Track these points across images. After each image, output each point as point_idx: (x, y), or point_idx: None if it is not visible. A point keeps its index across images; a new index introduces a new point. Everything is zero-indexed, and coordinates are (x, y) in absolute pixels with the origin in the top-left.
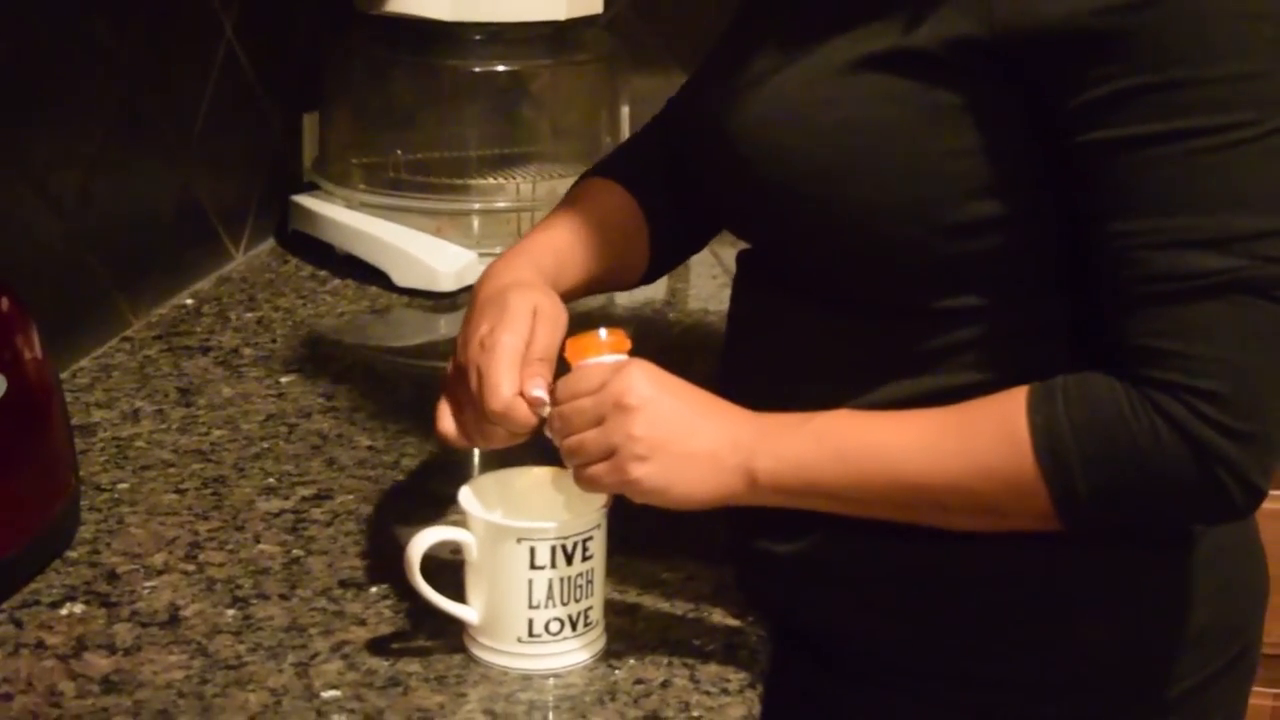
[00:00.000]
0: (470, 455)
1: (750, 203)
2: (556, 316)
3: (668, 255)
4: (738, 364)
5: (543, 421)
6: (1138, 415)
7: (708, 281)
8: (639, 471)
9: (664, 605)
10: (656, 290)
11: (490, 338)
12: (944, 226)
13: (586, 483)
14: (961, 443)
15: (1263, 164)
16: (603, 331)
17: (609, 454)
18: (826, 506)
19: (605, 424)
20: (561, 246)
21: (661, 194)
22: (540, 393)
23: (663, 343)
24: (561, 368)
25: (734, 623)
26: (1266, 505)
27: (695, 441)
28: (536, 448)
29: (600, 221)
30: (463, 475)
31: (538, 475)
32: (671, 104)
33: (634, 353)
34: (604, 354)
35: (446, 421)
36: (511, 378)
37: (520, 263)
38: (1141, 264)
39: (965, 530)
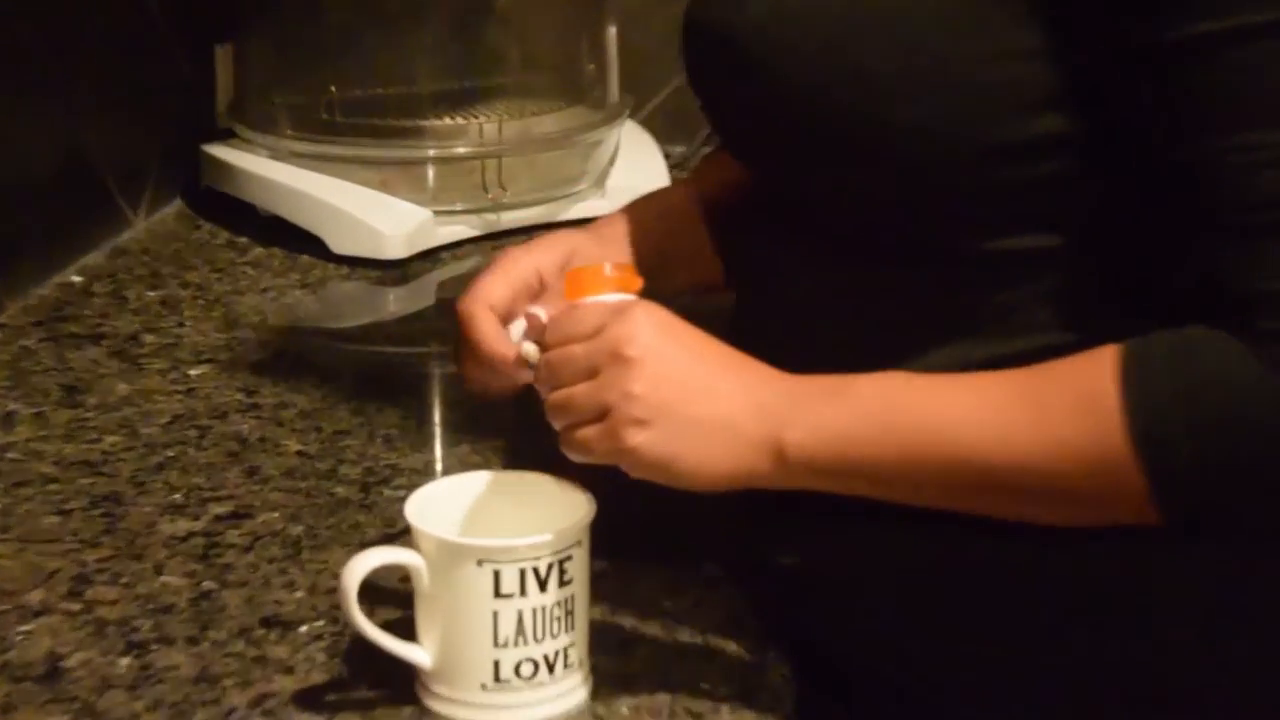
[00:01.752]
0: (430, 461)
1: (760, 122)
2: (599, 259)
3: None
4: (750, 333)
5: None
6: (1254, 378)
7: None
8: (637, 438)
9: (664, 639)
10: None
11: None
12: (999, 145)
13: (574, 447)
14: (1035, 413)
15: None
16: (608, 265)
17: (601, 414)
18: (870, 490)
19: (599, 377)
20: (658, 224)
21: None
22: (540, 310)
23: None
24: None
25: (751, 658)
26: None
27: (709, 404)
28: (521, 450)
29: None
30: (417, 484)
31: (503, 481)
32: None
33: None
34: (606, 291)
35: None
36: (487, 316)
37: (598, 228)
38: (1248, 188)
39: (1036, 522)
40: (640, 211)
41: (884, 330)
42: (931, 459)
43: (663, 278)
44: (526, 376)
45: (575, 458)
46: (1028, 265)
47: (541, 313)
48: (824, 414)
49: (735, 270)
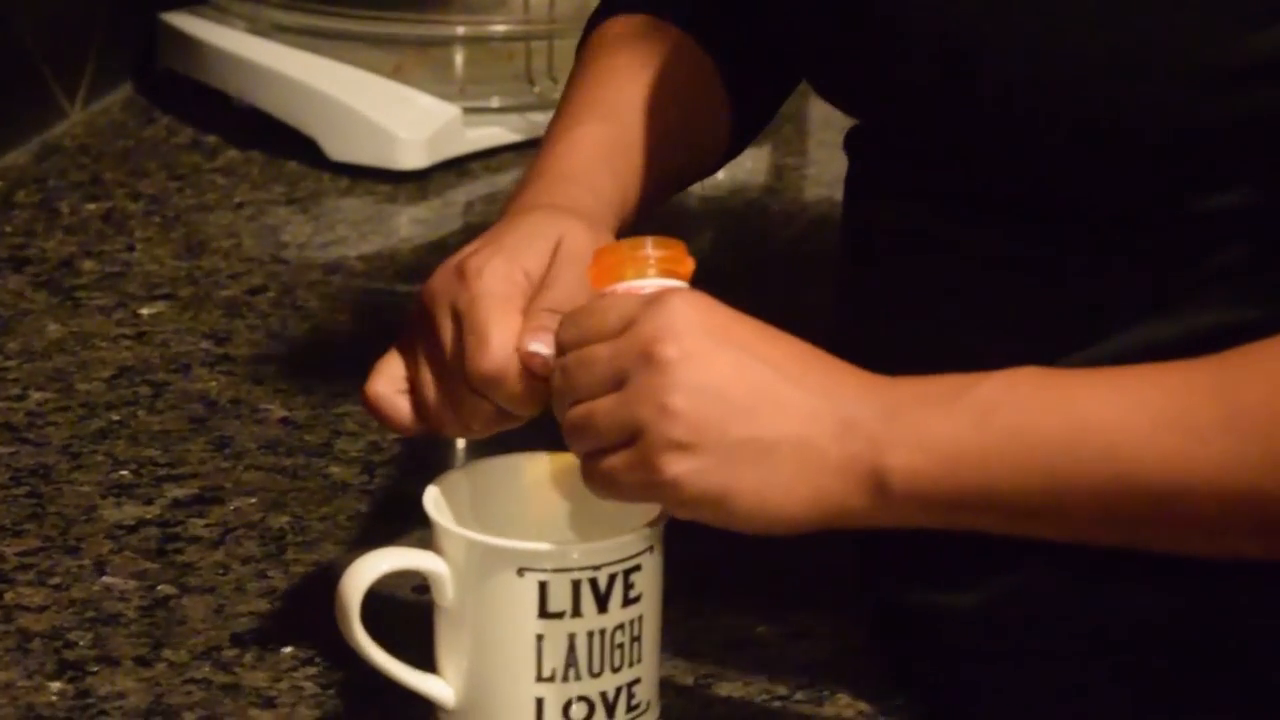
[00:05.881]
0: (451, 438)
1: (889, 45)
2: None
3: (751, 122)
4: (861, 307)
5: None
6: None
7: (835, 153)
8: (677, 467)
9: (759, 679)
10: (751, 169)
11: (474, 261)
12: (1212, 70)
13: (598, 482)
14: (1221, 415)
15: None
16: (649, 243)
17: (631, 436)
18: (1001, 525)
19: (627, 388)
20: (618, 150)
21: (731, 27)
22: (543, 348)
23: (761, 256)
24: None
25: (869, 708)
26: None
27: (775, 420)
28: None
29: (666, 96)
30: (437, 466)
31: (552, 466)
32: None
33: (704, 283)
34: (647, 276)
35: (381, 383)
36: (506, 323)
37: (566, 190)
38: None
39: (1230, 557)
40: (622, 133)
41: (1040, 314)
42: (1085, 481)
43: (660, 196)
44: (525, 404)
45: (602, 495)
46: (1221, 229)
47: (543, 349)
48: (937, 428)
49: (845, 232)
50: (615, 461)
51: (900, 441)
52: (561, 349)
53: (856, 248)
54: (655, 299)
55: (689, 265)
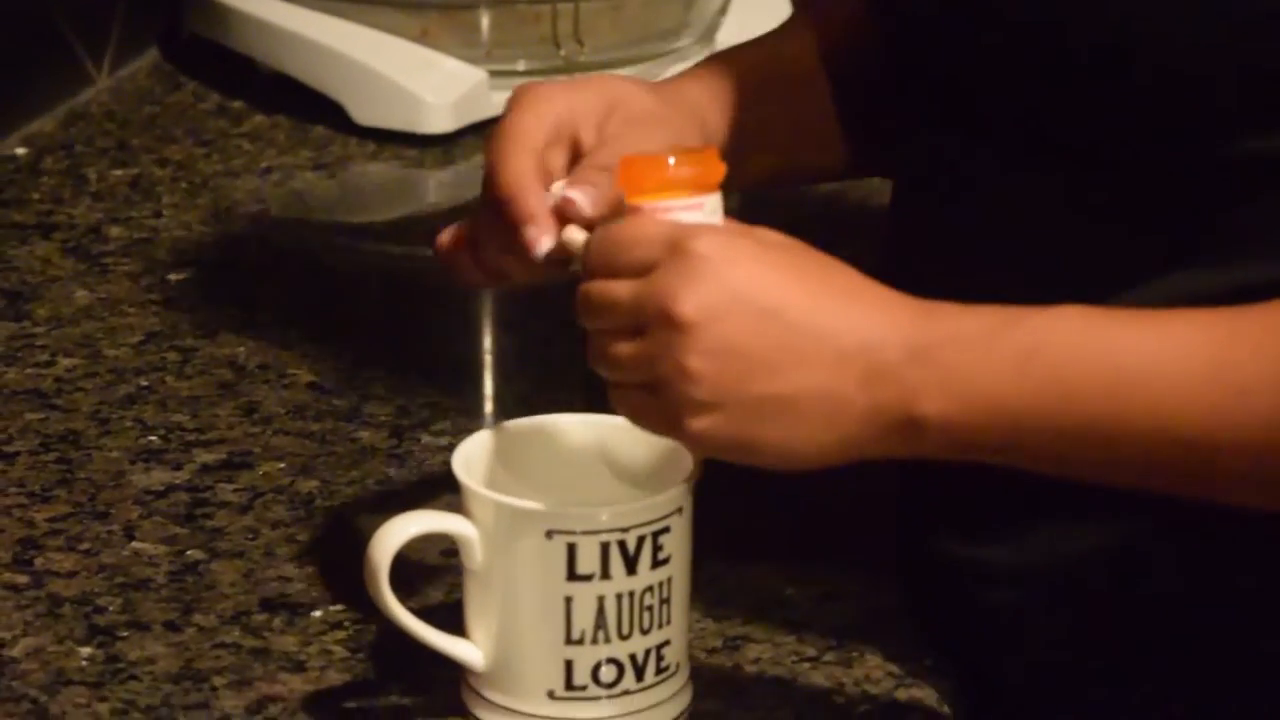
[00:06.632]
0: (482, 399)
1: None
2: (656, 120)
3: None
4: (907, 255)
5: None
6: None
7: None
8: (699, 425)
9: (788, 640)
10: None
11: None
12: (1257, 10)
13: (623, 411)
14: (1267, 369)
15: None
16: (678, 158)
17: (652, 384)
18: (1040, 468)
19: (647, 338)
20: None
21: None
22: (579, 197)
23: (797, 213)
24: None
25: (898, 671)
26: None
27: (795, 375)
28: (580, 389)
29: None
30: (465, 429)
31: (580, 428)
32: None
33: (742, 209)
34: (675, 195)
35: (446, 234)
36: (523, 157)
37: (675, 83)
38: None
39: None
40: (733, 66)
41: (1084, 259)
42: (1131, 434)
43: (759, 157)
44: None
45: (626, 416)
46: (1270, 173)
47: (579, 197)
48: (974, 375)
49: (899, 174)
50: (640, 404)
51: (934, 388)
52: (588, 269)
53: (903, 189)
54: (676, 243)
55: (719, 172)
